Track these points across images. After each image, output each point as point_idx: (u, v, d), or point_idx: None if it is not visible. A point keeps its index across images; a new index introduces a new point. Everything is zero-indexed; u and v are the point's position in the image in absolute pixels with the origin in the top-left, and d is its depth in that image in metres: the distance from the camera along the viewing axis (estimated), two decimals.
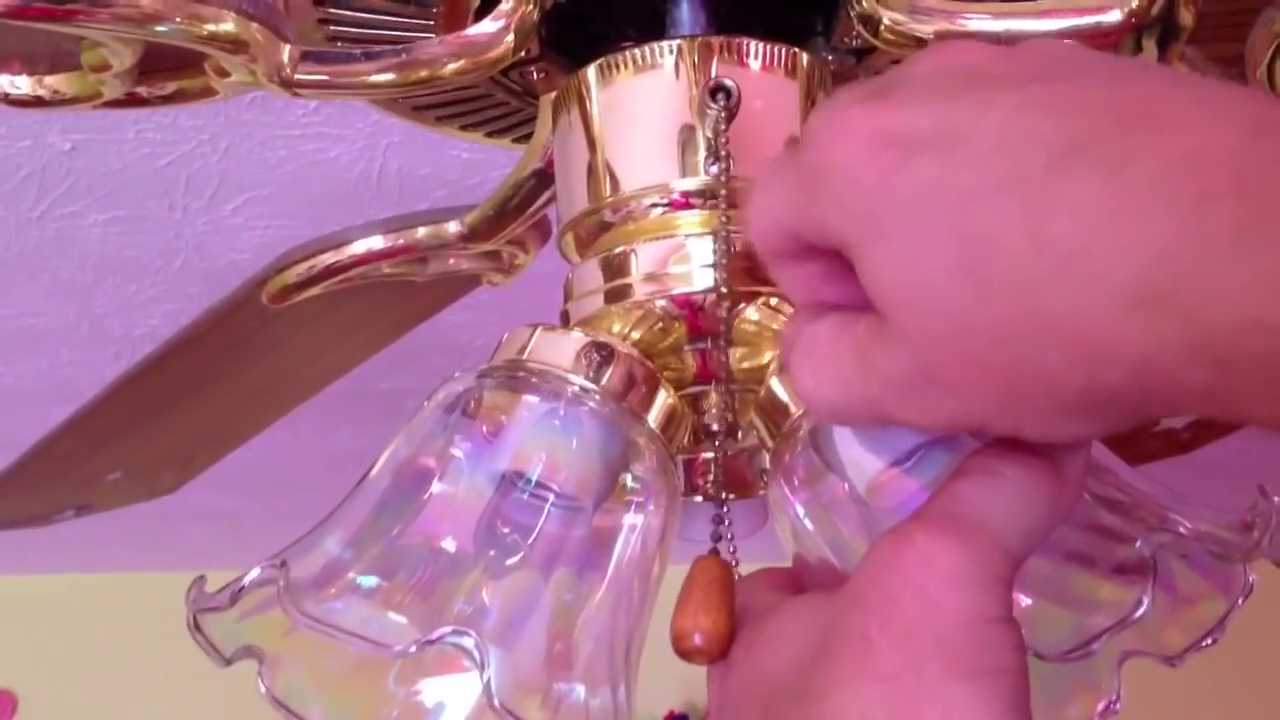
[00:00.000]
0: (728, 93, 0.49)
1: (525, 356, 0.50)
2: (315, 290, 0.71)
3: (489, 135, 0.67)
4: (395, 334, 0.85)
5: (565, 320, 0.54)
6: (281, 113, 0.96)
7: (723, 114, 0.49)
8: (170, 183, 1.05)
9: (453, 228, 0.68)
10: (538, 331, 0.51)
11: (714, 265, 0.50)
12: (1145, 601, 0.40)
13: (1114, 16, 0.49)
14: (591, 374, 0.49)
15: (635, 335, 0.51)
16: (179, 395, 0.89)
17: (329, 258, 0.69)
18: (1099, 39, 0.49)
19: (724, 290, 0.50)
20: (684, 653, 0.43)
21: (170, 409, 0.91)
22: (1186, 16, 0.49)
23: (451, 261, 0.72)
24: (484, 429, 0.49)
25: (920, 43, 0.51)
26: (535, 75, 0.59)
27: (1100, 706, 0.45)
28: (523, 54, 0.52)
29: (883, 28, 0.51)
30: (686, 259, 0.51)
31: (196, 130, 0.98)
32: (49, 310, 1.28)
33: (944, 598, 0.34)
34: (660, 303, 0.51)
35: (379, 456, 0.50)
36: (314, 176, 1.05)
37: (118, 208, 1.09)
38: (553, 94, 0.57)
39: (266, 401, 0.94)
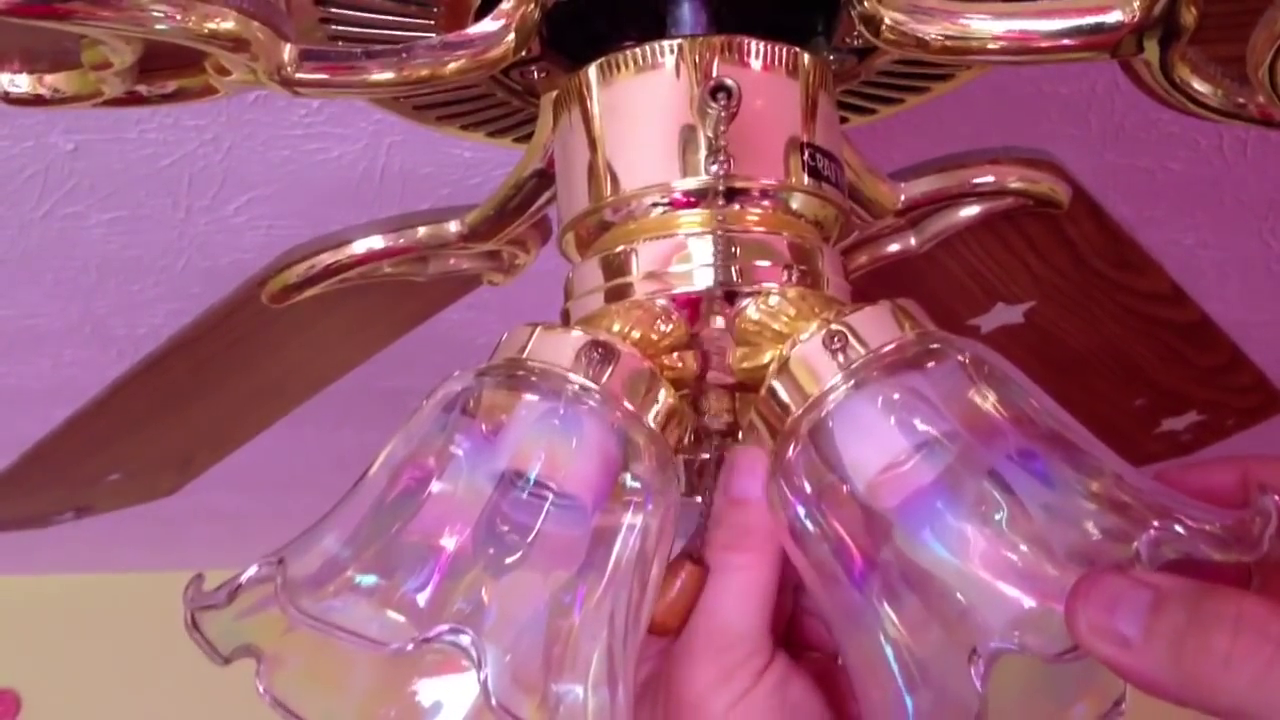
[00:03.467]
0: (728, 92, 0.49)
1: (525, 355, 0.50)
2: (316, 290, 0.71)
3: (490, 135, 0.67)
4: (396, 334, 0.85)
5: (565, 319, 0.54)
6: (284, 112, 0.96)
7: (723, 113, 0.49)
8: (173, 183, 1.05)
9: (453, 227, 0.68)
10: (537, 330, 0.51)
11: (714, 265, 0.50)
12: None
13: (1115, 17, 0.48)
14: (591, 373, 0.49)
15: (635, 334, 0.51)
16: (179, 396, 0.89)
17: (329, 257, 0.69)
18: (1101, 40, 0.49)
19: (724, 289, 0.50)
20: None
21: (170, 410, 0.91)
22: (1188, 17, 0.49)
23: (452, 261, 0.72)
24: (483, 428, 0.49)
25: (922, 43, 0.51)
26: (536, 75, 0.59)
27: (1106, 707, 0.45)
28: (524, 53, 0.52)
29: (884, 27, 0.51)
30: (687, 258, 0.51)
31: (199, 130, 0.98)
32: (52, 310, 1.28)
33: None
34: (661, 302, 0.51)
35: (378, 455, 0.50)
36: (316, 176, 1.05)
37: (120, 208, 1.09)
38: (553, 93, 0.57)
39: (267, 402, 0.94)
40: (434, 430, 0.49)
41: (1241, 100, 0.52)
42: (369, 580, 0.46)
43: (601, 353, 0.49)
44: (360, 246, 0.69)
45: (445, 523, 0.47)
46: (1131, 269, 0.76)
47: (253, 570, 0.45)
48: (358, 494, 0.49)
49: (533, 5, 0.52)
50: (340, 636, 0.43)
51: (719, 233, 0.50)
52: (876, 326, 0.49)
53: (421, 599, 0.45)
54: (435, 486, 0.48)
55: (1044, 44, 0.50)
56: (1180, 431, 0.94)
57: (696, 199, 0.51)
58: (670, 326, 0.51)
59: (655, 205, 0.52)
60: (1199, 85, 0.52)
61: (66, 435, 0.93)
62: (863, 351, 0.48)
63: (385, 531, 0.47)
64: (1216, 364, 0.86)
